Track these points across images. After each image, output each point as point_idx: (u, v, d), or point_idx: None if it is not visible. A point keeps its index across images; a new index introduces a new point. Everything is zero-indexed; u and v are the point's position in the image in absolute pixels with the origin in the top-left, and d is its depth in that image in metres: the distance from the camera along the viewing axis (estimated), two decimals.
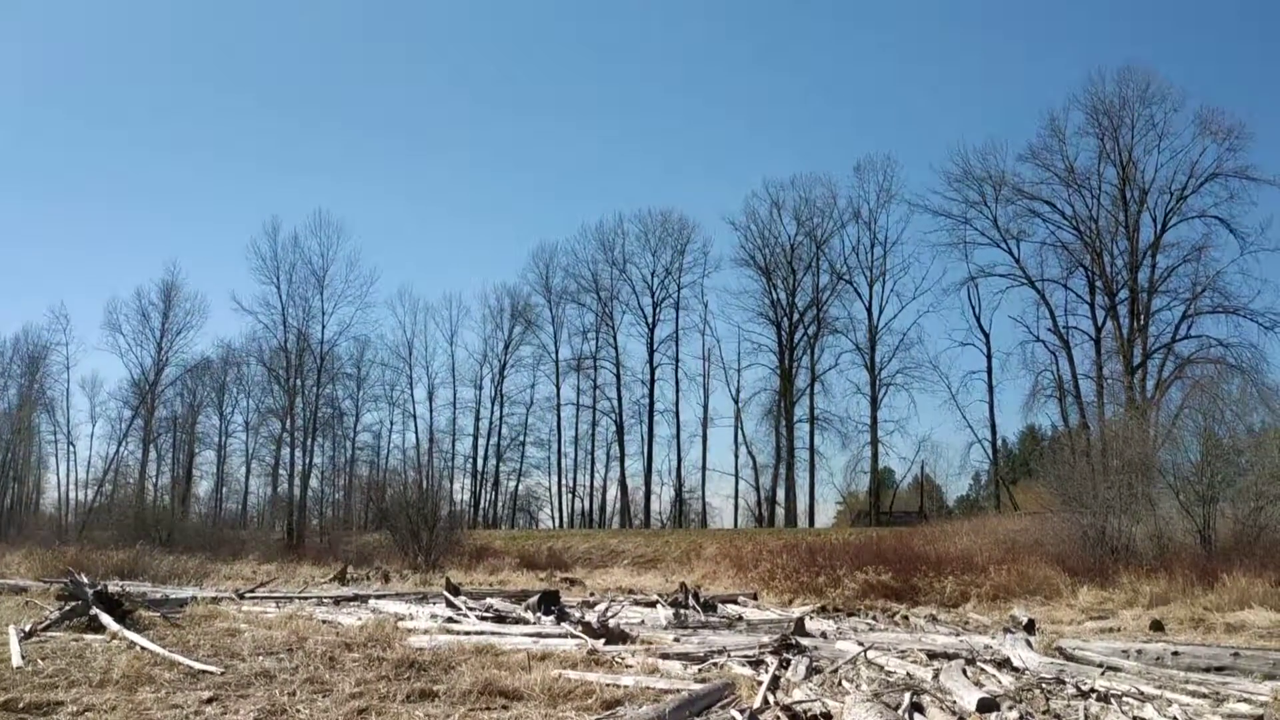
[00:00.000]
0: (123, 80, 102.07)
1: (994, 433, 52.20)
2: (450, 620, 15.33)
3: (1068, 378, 47.38)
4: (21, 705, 7.59)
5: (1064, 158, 48.41)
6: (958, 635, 14.73)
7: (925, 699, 7.87)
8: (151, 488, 60.56)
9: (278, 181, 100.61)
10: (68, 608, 13.74)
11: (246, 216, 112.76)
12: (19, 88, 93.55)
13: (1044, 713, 7.66)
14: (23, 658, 9.94)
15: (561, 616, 15.12)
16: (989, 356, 51.71)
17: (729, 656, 10.88)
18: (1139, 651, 10.81)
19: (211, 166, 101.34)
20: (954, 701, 7.97)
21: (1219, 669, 9.81)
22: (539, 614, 15.89)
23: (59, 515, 60.38)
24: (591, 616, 14.99)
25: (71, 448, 66.27)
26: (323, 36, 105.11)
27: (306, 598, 20.58)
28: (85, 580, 15.61)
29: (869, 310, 56.17)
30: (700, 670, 10.09)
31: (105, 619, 12.91)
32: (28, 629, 12.25)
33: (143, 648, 10.91)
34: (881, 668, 10.11)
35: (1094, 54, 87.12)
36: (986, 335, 51.98)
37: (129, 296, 71.02)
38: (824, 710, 7.57)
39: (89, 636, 12.18)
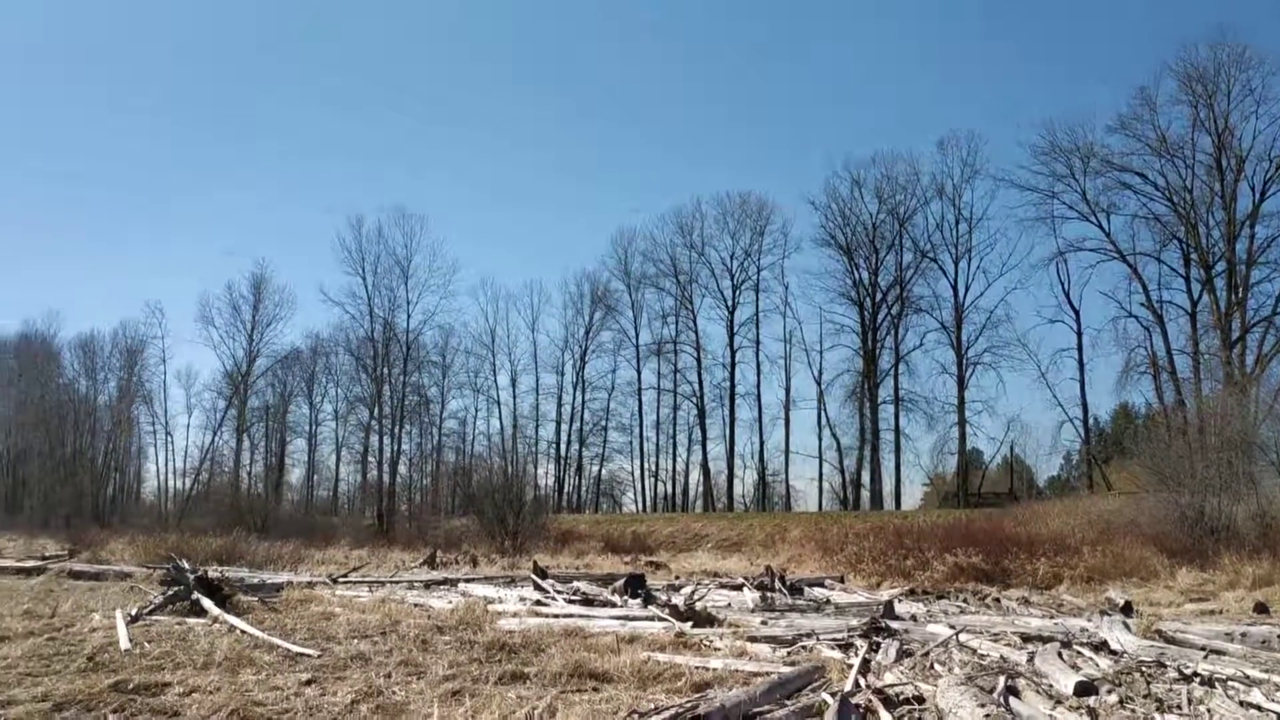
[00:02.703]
0: (210, 80, 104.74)
1: (1085, 411, 50.97)
2: (538, 603, 15.48)
3: (1162, 354, 46.07)
4: (131, 686, 7.85)
5: (1155, 127, 46.95)
6: (1052, 618, 14.44)
7: (1020, 682, 7.74)
8: (246, 476, 62.30)
9: (363, 175, 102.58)
10: (171, 592, 14.15)
11: (333, 209, 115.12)
12: (105, 86, 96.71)
13: (1145, 696, 7.46)
14: (130, 641, 10.27)
15: (648, 599, 15.15)
16: (1079, 333, 50.48)
17: (817, 639, 10.83)
18: (1243, 634, 10.51)
19: (298, 161, 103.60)
20: (1050, 685, 7.83)
21: None
22: (625, 597, 15.95)
23: (159, 503, 62.39)
24: (678, 599, 15.01)
25: (169, 438, 68.43)
26: (405, 33, 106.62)
27: (398, 582, 20.96)
28: (186, 566, 16.07)
29: (954, 288, 55.31)
30: (789, 653, 10.06)
31: (206, 603, 13.31)
32: (134, 613, 12.66)
33: (243, 631, 11.22)
34: (974, 651, 9.96)
35: (1182, 23, 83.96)
36: (1076, 312, 50.67)
37: (220, 290, 73.06)
38: (916, 693, 7.50)
39: (191, 620, 12.55)
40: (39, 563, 24.12)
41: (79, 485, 61.91)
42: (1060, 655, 9.14)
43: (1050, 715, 6.76)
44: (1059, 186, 49.93)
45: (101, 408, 67.89)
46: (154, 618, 12.73)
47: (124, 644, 10.08)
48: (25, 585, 18.12)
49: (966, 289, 55.09)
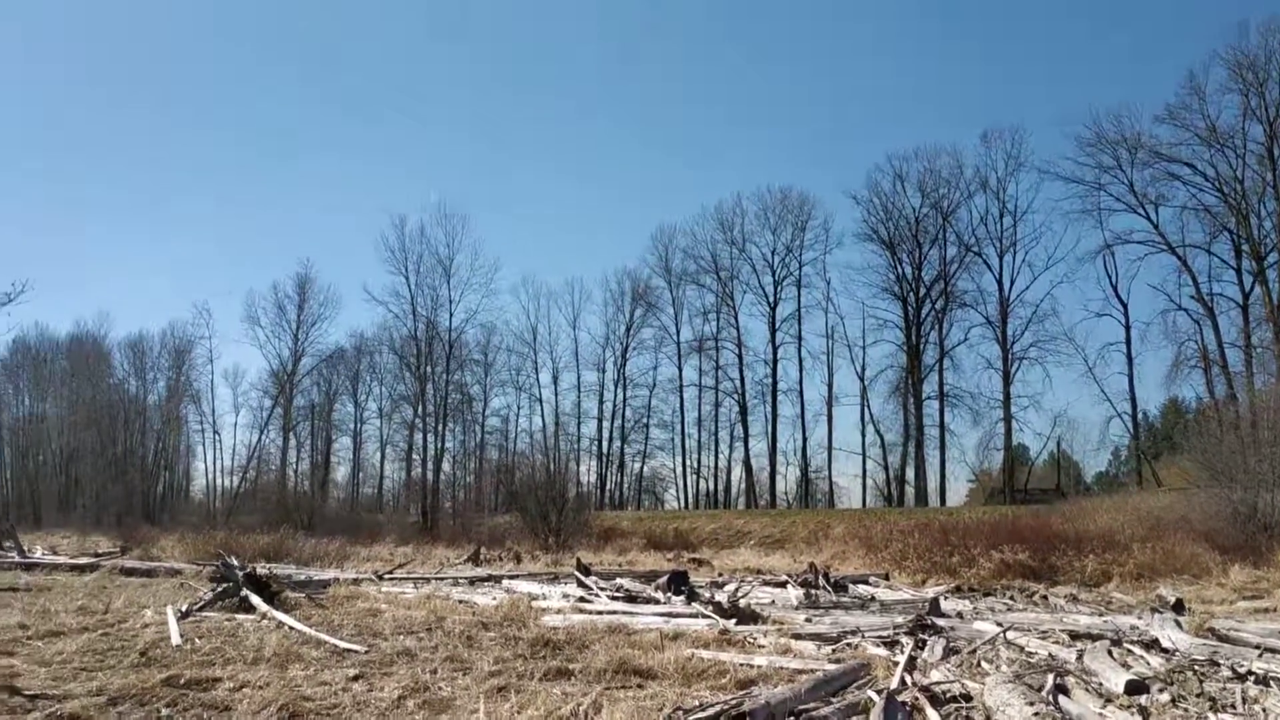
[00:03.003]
0: (257, 82, 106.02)
1: (1134, 406, 50.19)
2: (582, 600, 15.52)
3: (1213, 347, 45.31)
4: (183, 681, 7.98)
5: (1205, 116, 46.13)
6: (1101, 615, 14.26)
7: (1069, 680, 7.66)
8: (292, 474, 63.06)
9: (404, 175, 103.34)
10: (220, 589, 14.35)
11: (375, 210, 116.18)
12: (158, 89, 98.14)
13: (1198, 695, 7.34)
14: (181, 636, 10.44)
15: (691, 596, 15.14)
16: (1127, 327, 49.77)
17: (863, 637, 10.77)
18: None
19: (342, 164, 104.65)
20: (1100, 683, 7.73)
21: None
22: (669, 594, 15.93)
23: (207, 501, 63.34)
24: (721, 596, 14.99)
25: (217, 437, 69.49)
26: (445, 36, 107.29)
27: (442, 578, 21.11)
28: (235, 563, 16.28)
29: (999, 282, 54.62)
30: (834, 651, 10.01)
31: (255, 600, 13.48)
32: (184, 609, 12.86)
33: (291, 627, 11.35)
34: (1022, 649, 9.86)
35: (1231, 8, 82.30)
36: (1124, 305, 50.00)
37: (265, 290, 73.97)
38: (963, 691, 7.43)
39: (240, 616, 12.72)
40: (92, 560, 24.59)
41: (130, 484, 63.05)
42: (1110, 653, 9.02)
43: (1100, 714, 6.68)
44: (1105, 178, 49.32)
45: (151, 407, 69.25)
46: (204, 614, 12.91)
47: (175, 639, 10.24)
48: (79, 582, 18.48)
49: (1011, 283, 54.49)
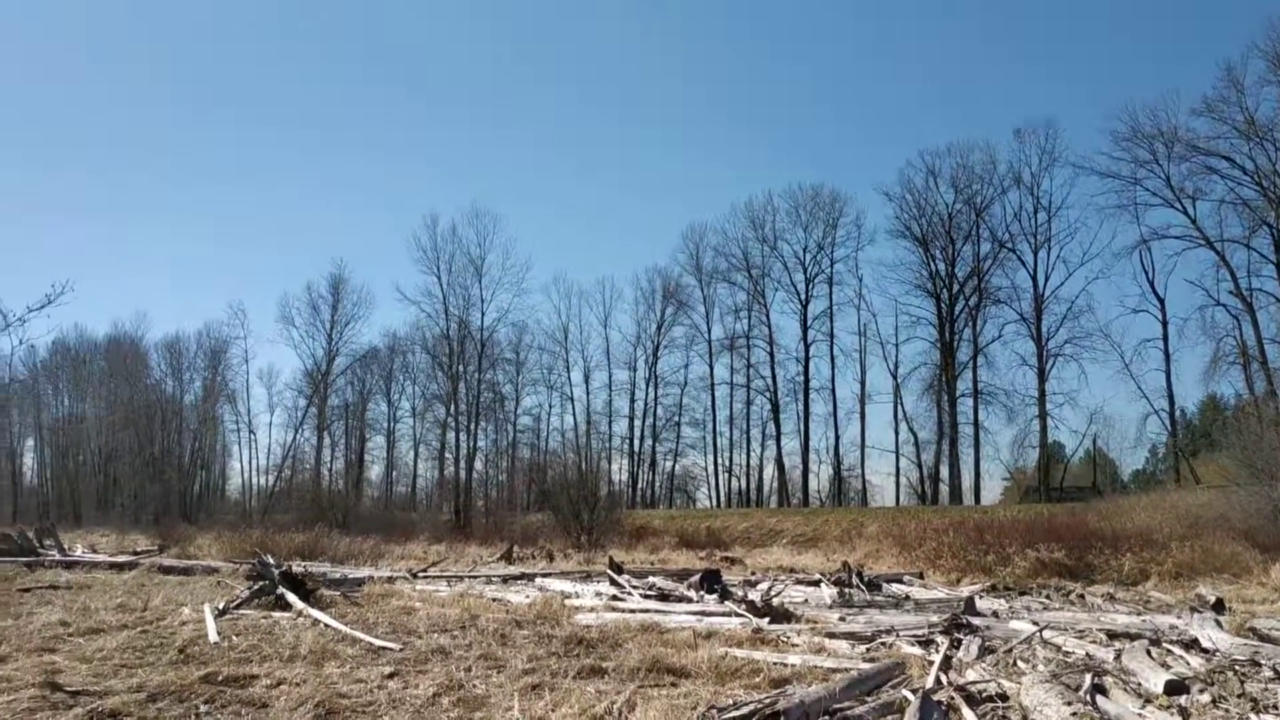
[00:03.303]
0: (288, 81, 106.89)
1: (1171, 403, 49.40)
2: (615, 598, 15.53)
3: (1252, 343, 44.58)
4: (221, 678, 8.05)
5: (1243, 109, 45.32)
6: (1139, 615, 14.10)
7: (1107, 680, 7.58)
8: (326, 472, 63.71)
9: (436, 175, 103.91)
10: (256, 587, 14.47)
11: (407, 210, 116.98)
12: (190, 87, 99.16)
13: (1239, 696, 7.25)
14: (219, 634, 10.53)
15: (724, 595, 15.12)
16: (1164, 323, 49.05)
17: (897, 636, 10.72)
18: None
19: (374, 163, 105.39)
20: (1139, 683, 7.65)
21: None
22: (701, 592, 15.92)
23: (243, 500, 64.01)
24: (754, 595, 14.95)
25: (252, 436, 70.38)
26: (477, 36, 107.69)
27: (476, 577, 21.20)
28: (270, 561, 16.41)
29: (1034, 278, 53.96)
30: (868, 649, 9.97)
31: (291, 598, 13.58)
32: (221, 607, 12.97)
33: (326, 625, 11.44)
34: (1058, 648, 9.78)
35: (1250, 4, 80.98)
36: (1161, 301, 49.26)
37: (299, 290, 74.49)
38: (999, 691, 7.37)
39: (276, 614, 12.81)
40: (131, 558, 24.89)
41: (167, 483, 63.83)
42: (1149, 653, 8.92)
43: (1139, 714, 6.61)
44: (1142, 173, 48.53)
45: (188, 407, 70.07)
46: (240, 611, 13.02)
47: (213, 637, 10.34)
48: (118, 579, 18.69)
49: (1046, 279, 53.81)
